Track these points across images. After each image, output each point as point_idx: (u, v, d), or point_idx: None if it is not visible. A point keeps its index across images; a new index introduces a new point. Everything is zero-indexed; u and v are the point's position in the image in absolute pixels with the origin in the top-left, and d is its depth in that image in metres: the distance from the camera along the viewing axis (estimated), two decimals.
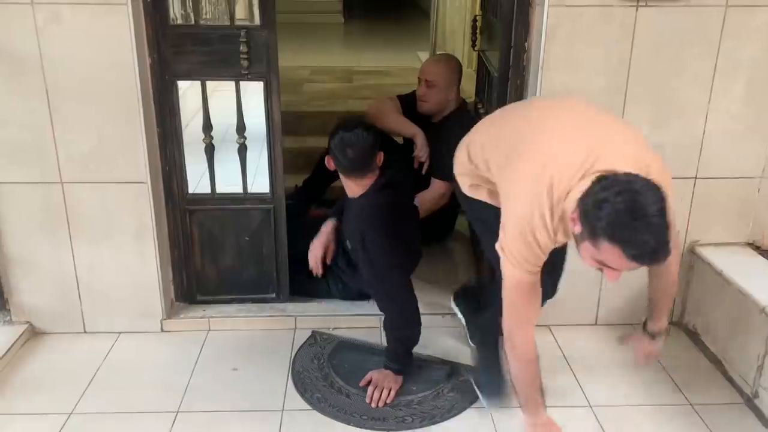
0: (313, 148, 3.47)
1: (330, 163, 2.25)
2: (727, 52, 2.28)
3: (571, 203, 1.53)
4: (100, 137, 2.28)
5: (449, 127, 3.01)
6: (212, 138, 2.49)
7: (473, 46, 3.25)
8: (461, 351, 2.46)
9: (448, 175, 2.92)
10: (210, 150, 2.49)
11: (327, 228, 2.58)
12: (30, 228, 2.38)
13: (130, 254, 2.43)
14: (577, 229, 1.50)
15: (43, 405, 2.16)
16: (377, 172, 2.25)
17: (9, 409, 2.15)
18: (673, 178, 1.65)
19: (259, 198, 2.53)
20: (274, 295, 2.65)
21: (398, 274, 2.21)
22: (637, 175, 1.45)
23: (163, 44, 2.29)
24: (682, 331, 2.60)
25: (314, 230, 2.90)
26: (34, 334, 2.51)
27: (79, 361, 2.37)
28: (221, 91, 2.97)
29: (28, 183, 2.32)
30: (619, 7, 2.21)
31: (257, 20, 2.30)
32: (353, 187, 2.26)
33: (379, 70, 5.38)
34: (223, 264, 2.60)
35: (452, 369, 2.33)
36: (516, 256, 1.64)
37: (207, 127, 2.47)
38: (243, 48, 2.29)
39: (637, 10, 2.21)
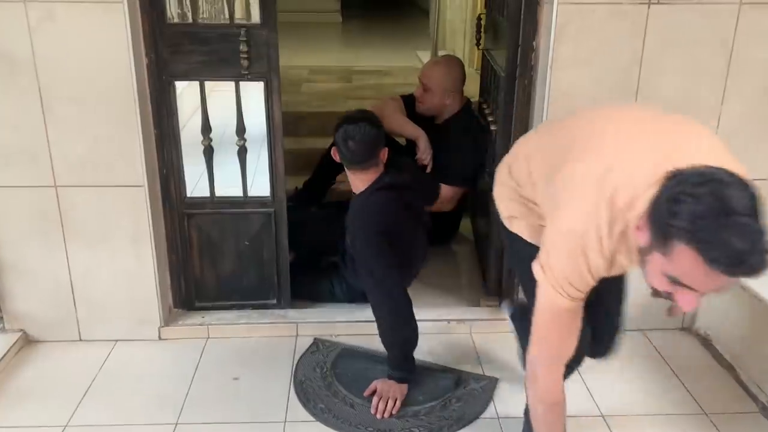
0: (312, 149, 3.42)
1: (335, 155, 2.26)
2: (740, 51, 2.22)
3: (636, 213, 1.24)
4: (95, 139, 2.22)
5: (453, 129, 2.97)
6: (211, 140, 2.42)
7: (477, 44, 3.20)
8: (468, 359, 2.40)
9: (452, 179, 2.89)
10: (209, 152, 2.43)
11: None
12: (23, 233, 2.31)
13: (127, 260, 2.37)
14: (644, 238, 1.21)
15: (37, 416, 2.10)
16: (381, 168, 2.26)
17: (1, 420, 2.09)
18: None
19: (259, 201, 2.47)
20: (275, 301, 2.59)
21: (389, 274, 2.15)
22: (720, 168, 1.17)
23: (161, 43, 2.23)
24: (694, 337, 2.55)
25: (315, 232, 2.86)
26: (27, 342, 2.45)
27: (75, 371, 2.31)
28: (218, 91, 2.91)
29: (21, 187, 2.26)
30: (630, 5, 2.16)
31: (257, 18, 2.24)
32: (356, 182, 2.28)
33: (379, 69, 5.34)
34: (222, 269, 2.54)
35: (459, 377, 2.27)
36: (557, 276, 1.37)
37: (206, 128, 2.41)
38: (243, 47, 2.23)
39: (649, 7, 2.16)
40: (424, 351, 2.34)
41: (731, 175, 1.14)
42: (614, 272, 1.36)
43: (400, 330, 2.16)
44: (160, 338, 2.48)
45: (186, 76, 2.34)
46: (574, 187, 1.35)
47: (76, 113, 2.18)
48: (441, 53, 5.20)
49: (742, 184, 1.13)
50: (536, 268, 1.42)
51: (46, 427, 2.05)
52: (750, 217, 1.10)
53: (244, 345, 2.46)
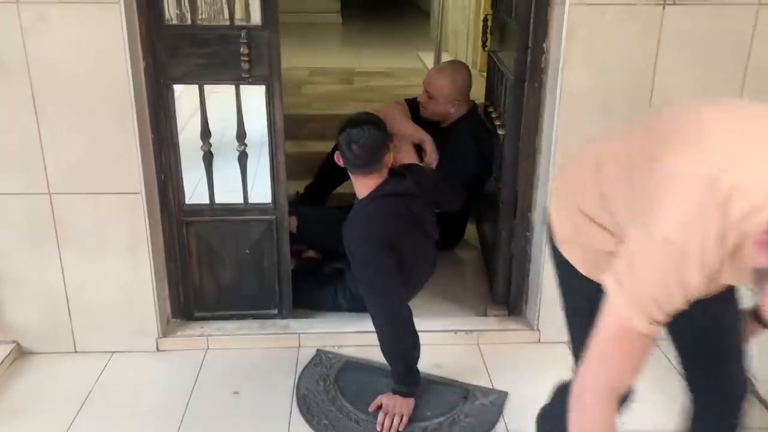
0: (314, 152, 3.35)
1: (339, 159, 2.23)
2: (759, 52, 2.16)
3: (757, 226, 1.01)
4: (90, 145, 2.15)
5: (458, 132, 2.92)
6: (210, 145, 2.35)
7: (483, 46, 3.13)
8: (476, 371, 2.32)
9: (458, 183, 2.82)
10: (208, 158, 2.36)
11: None
12: (16, 241, 2.25)
13: (124, 269, 2.30)
14: (766, 258, 0.99)
15: (31, 431, 2.03)
16: (384, 174, 2.21)
17: None
18: None
19: (260, 208, 2.39)
20: (276, 311, 2.52)
21: (389, 284, 2.10)
22: None
23: (158, 45, 2.16)
24: None
25: (317, 237, 2.79)
26: (21, 353, 2.38)
27: (70, 383, 2.24)
28: (217, 93, 2.84)
29: (13, 194, 2.19)
30: (644, 6, 2.09)
31: (258, 19, 2.17)
32: (359, 187, 2.25)
33: (380, 71, 5.27)
34: (222, 278, 2.46)
35: (467, 391, 2.20)
36: (639, 292, 1.10)
37: (205, 133, 2.34)
38: (243, 50, 2.16)
39: (663, 8, 2.09)
40: (430, 363, 2.26)
41: None
42: (708, 292, 1.13)
43: (400, 341, 2.09)
44: (157, 350, 2.41)
45: (185, 80, 2.27)
46: (675, 186, 1.07)
47: (70, 117, 2.11)
48: (444, 55, 5.14)
49: None
50: (610, 281, 1.15)
51: None
52: None
53: (244, 357, 2.39)
